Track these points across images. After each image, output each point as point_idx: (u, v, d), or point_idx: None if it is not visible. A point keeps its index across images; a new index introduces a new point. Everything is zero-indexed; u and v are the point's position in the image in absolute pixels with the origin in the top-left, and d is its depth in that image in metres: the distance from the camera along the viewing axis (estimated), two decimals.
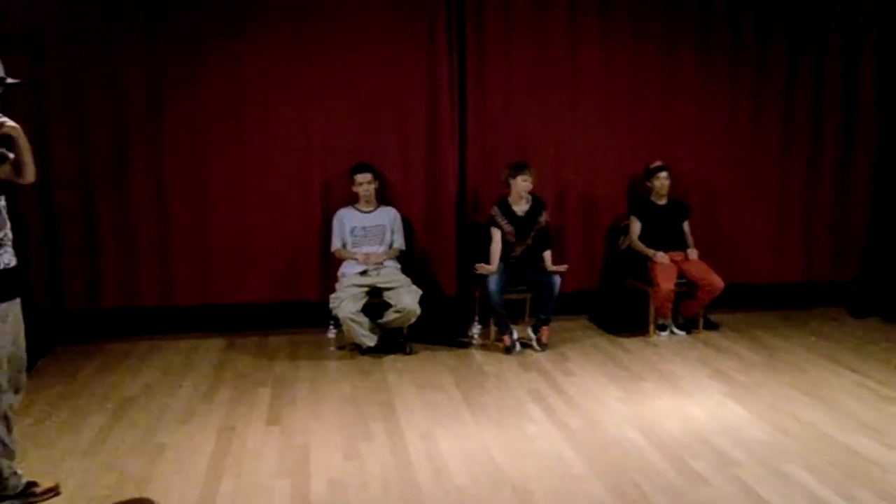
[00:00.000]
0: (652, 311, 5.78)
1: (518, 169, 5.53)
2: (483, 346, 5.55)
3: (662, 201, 5.96)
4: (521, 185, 5.52)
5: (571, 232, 6.14)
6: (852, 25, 6.20)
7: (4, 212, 3.14)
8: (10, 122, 3.11)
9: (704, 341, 5.69)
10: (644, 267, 5.84)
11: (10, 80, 3.15)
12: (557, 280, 5.45)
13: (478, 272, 5.49)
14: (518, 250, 5.58)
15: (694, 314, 5.87)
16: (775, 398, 4.51)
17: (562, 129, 6.01)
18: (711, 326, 5.96)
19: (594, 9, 5.91)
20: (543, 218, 5.63)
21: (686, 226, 6.02)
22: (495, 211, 5.59)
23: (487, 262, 5.51)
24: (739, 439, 3.93)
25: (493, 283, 5.38)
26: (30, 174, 3.26)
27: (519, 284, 5.59)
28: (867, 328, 6.03)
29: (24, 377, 3.25)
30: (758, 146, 6.27)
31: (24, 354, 3.24)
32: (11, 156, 3.16)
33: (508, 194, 5.61)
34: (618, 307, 6.23)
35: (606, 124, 6.06)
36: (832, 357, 5.29)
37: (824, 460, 3.68)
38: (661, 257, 5.76)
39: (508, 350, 5.39)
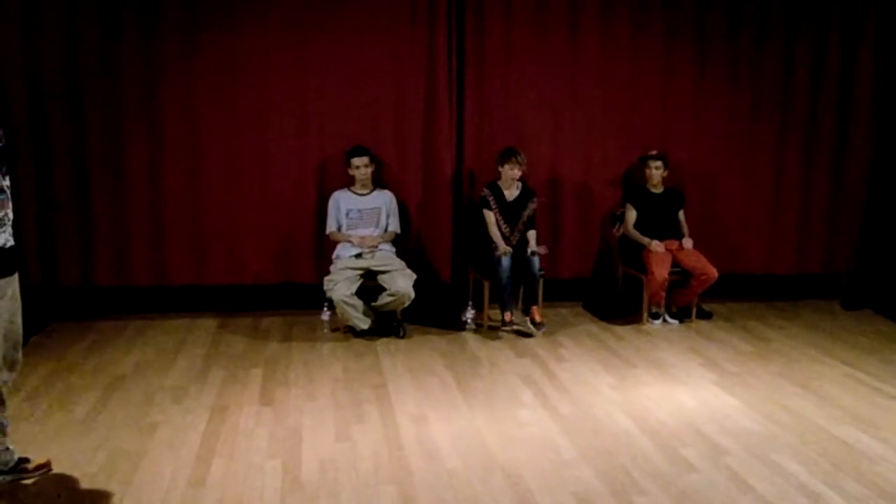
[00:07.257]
0: (645, 299, 5.80)
1: (505, 156, 5.56)
2: (476, 331, 5.55)
3: (658, 189, 5.96)
4: (509, 173, 5.56)
5: (567, 219, 6.13)
6: (851, 14, 6.17)
7: (8, 192, 3.07)
8: None
9: (697, 330, 5.71)
10: (639, 255, 5.84)
11: None
12: (536, 260, 5.46)
13: (498, 254, 5.38)
14: (511, 238, 5.58)
15: (687, 303, 5.88)
16: (766, 388, 4.54)
17: (559, 115, 6.00)
18: (704, 316, 5.99)
19: None
20: (533, 205, 5.65)
21: (681, 214, 6.02)
22: (486, 192, 5.61)
23: (487, 247, 5.53)
24: (729, 428, 3.95)
25: (505, 262, 5.38)
26: None
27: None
28: (858, 320, 6.05)
29: (19, 354, 3.25)
30: (754, 137, 6.25)
31: (20, 331, 3.23)
32: None
33: (499, 178, 5.63)
34: (612, 295, 6.25)
35: (604, 111, 6.04)
36: (823, 348, 5.31)
37: (813, 451, 3.71)
38: (656, 245, 5.77)
39: (507, 325, 5.41)
